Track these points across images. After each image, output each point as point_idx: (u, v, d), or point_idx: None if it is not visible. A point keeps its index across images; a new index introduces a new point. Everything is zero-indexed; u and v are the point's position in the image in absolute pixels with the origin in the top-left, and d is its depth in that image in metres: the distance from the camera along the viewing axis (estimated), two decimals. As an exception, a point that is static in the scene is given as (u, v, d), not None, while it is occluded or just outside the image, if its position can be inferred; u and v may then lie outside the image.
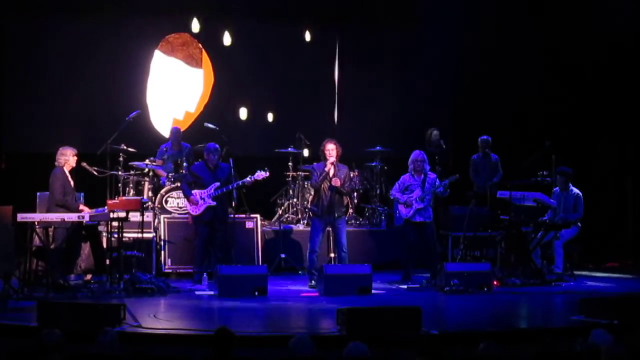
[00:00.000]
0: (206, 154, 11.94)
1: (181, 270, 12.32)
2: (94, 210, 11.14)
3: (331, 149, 11.46)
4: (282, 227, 12.99)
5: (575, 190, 12.40)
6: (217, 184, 11.74)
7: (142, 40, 14.67)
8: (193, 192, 11.76)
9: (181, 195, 12.25)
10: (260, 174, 11.88)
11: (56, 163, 11.18)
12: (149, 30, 14.71)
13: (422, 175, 11.75)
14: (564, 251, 12.31)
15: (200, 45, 15.05)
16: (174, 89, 15.08)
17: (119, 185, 12.73)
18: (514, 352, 7.65)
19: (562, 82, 14.62)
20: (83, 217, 10.70)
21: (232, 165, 11.82)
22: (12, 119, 14.48)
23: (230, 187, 11.67)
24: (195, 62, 15.13)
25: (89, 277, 11.32)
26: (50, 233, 10.89)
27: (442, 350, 6.51)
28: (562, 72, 14.63)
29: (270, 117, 14.88)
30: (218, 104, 14.88)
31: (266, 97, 14.80)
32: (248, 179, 11.81)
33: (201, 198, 11.74)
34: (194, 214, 11.85)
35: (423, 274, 11.93)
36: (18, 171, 13.93)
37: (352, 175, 12.68)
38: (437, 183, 11.78)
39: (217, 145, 12.00)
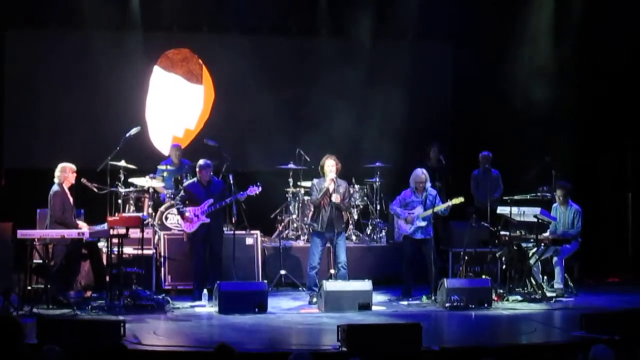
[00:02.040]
0: (198, 171, 11.95)
1: (181, 287, 12.30)
2: (93, 226, 11.15)
3: (331, 165, 11.47)
4: (282, 243, 12.98)
5: (575, 206, 12.37)
6: (211, 200, 11.74)
7: (141, 56, 14.64)
8: (187, 209, 11.77)
9: (181, 212, 12.23)
10: (253, 189, 11.90)
11: (55, 180, 11.18)
12: (148, 45, 14.69)
13: (424, 193, 11.76)
14: (565, 266, 12.29)
15: (200, 61, 15.03)
16: (174, 106, 15.01)
17: (119, 201, 12.72)
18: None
19: (561, 95, 14.61)
20: (83, 234, 10.70)
21: (232, 180, 11.82)
22: (12, 135, 14.47)
23: (224, 203, 11.69)
24: (195, 78, 15.09)
25: (88, 293, 11.31)
26: (50, 250, 10.88)
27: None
28: (560, 85, 14.62)
29: (269, 132, 14.85)
30: (218, 120, 14.85)
31: (267, 113, 14.78)
32: (240, 194, 11.82)
33: (195, 215, 11.75)
34: (188, 231, 11.86)
35: (423, 290, 11.92)
36: (18, 188, 13.92)
37: (351, 191, 12.66)
38: (437, 201, 11.77)
39: (209, 162, 12.00)
